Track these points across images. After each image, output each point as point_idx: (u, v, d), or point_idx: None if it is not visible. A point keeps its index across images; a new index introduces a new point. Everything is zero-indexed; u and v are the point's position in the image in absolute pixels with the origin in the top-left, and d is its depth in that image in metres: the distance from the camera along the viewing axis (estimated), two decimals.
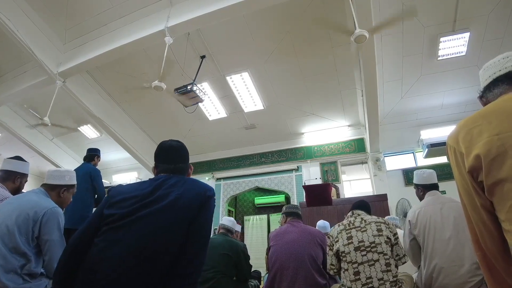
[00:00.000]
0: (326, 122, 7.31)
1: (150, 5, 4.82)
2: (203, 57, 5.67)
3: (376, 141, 6.63)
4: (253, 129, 7.65)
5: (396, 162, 7.10)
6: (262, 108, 6.89)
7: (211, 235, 1.58)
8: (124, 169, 9.57)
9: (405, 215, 5.98)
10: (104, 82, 6.66)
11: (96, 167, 4.20)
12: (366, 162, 7.40)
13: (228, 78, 6.14)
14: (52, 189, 2.14)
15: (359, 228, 2.23)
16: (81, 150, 8.66)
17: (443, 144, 5.89)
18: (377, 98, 5.57)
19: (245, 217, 8.99)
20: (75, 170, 3.70)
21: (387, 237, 2.14)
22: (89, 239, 1.28)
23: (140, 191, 1.36)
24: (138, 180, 8.89)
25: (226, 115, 7.22)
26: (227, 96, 6.65)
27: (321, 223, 4.34)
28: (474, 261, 1.97)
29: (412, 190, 2.95)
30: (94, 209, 3.93)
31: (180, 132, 7.56)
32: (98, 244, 1.23)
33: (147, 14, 4.85)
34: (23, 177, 2.46)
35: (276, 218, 8.32)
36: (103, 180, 4.26)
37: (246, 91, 6.47)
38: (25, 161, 2.52)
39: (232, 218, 3.41)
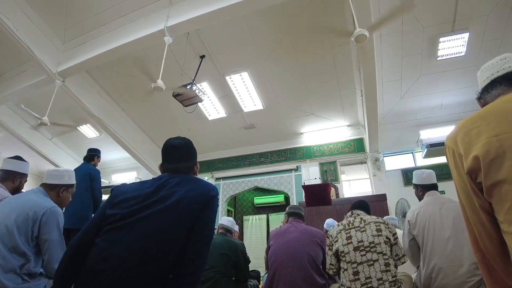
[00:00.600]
0: (325, 122, 7.32)
1: (150, 5, 4.81)
2: (202, 57, 5.67)
3: (376, 141, 6.64)
4: (252, 129, 7.65)
5: (395, 162, 7.11)
6: (262, 108, 6.89)
7: None
8: (123, 169, 9.57)
9: (404, 215, 5.98)
10: (104, 82, 6.65)
11: (96, 167, 4.20)
12: (365, 162, 7.41)
13: (227, 78, 6.14)
14: (52, 189, 2.14)
15: (359, 228, 2.24)
16: (80, 149, 8.66)
17: (442, 144, 5.87)
18: (377, 98, 5.57)
19: (245, 217, 9.00)
20: (75, 170, 3.70)
21: (387, 237, 2.15)
22: (91, 240, 1.28)
23: (142, 191, 1.36)
24: (138, 180, 8.89)
25: (225, 115, 7.22)
26: (226, 96, 6.65)
27: (330, 221, 4.37)
28: (473, 261, 1.97)
29: (411, 190, 2.95)
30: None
31: (180, 132, 7.50)
32: (100, 244, 1.23)
33: (147, 14, 4.85)
34: (22, 177, 2.46)
35: (276, 218, 8.34)
36: (102, 180, 4.26)
37: (246, 91, 6.47)
38: (25, 161, 2.52)
39: (231, 218, 3.41)
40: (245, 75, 6.08)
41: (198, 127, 7.70)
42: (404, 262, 2.18)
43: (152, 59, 5.72)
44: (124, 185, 1.46)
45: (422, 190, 2.52)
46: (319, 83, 6.20)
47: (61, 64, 5.45)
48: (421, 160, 6.81)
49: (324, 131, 7.51)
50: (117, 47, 4.90)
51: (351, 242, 2.17)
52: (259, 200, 9.45)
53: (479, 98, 1.13)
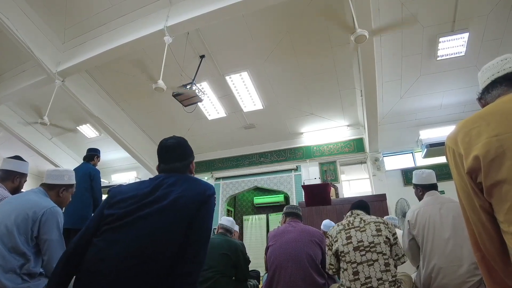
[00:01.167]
0: (325, 122, 7.32)
1: (150, 5, 4.81)
2: (202, 56, 5.67)
3: (375, 141, 6.64)
4: (252, 129, 7.65)
5: (395, 162, 7.12)
6: (262, 108, 6.89)
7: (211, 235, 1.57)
8: (123, 169, 9.57)
9: (404, 215, 5.98)
10: (103, 82, 6.65)
11: (96, 167, 4.19)
12: (365, 162, 7.41)
13: (227, 77, 6.14)
14: (51, 189, 2.14)
15: (358, 228, 2.23)
16: (80, 149, 8.66)
17: (442, 144, 5.90)
18: (376, 98, 5.58)
19: (244, 217, 9.00)
20: (74, 169, 3.70)
21: (386, 237, 2.15)
22: (89, 240, 1.28)
23: (139, 191, 1.36)
24: (137, 180, 8.89)
25: (225, 115, 7.22)
26: (226, 95, 6.65)
27: (327, 222, 4.36)
28: (473, 261, 1.97)
29: (411, 190, 2.95)
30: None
31: (179, 132, 7.53)
32: (98, 244, 1.23)
33: (147, 14, 4.85)
34: (22, 176, 2.46)
35: (275, 218, 8.34)
36: (102, 180, 4.25)
37: (246, 91, 6.47)
38: (25, 161, 2.51)
39: (231, 218, 3.41)
40: (245, 75, 6.08)
41: (197, 127, 7.70)
42: (404, 262, 2.18)
43: (152, 59, 5.72)
44: (121, 186, 1.47)
45: (422, 190, 2.52)
46: (319, 83, 6.20)
47: (60, 64, 5.45)
48: (421, 160, 6.81)
49: (324, 131, 7.51)
50: (117, 47, 4.90)
51: (351, 242, 2.17)
52: (258, 200, 9.45)
53: (479, 99, 1.14)
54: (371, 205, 2.69)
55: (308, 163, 7.62)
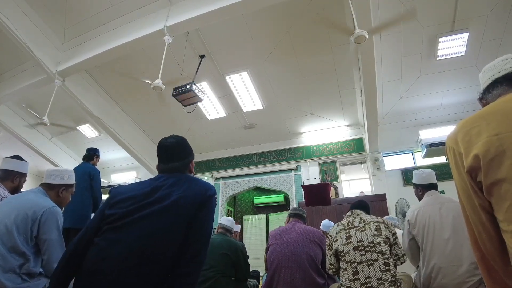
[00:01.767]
0: (325, 122, 7.32)
1: (149, 5, 4.81)
2: (202, 56, 5.67)
3: (375, 141, 6.64)
4: (252, 129, 7.65)
5: (395, 162, 7.12)
6: (261, 107, 6.89)
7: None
8: (123, 169, 9.57)
9: (404, 215, 5.98)
10: (103, 82, 6.65)
11: (95, 166, 4.19)
12: (365, 162, 7.42)
13: (227, 77, 6.14)
14: (51, 189, 2.13)
15: (358, 228, 2.23)
16: (80, 149, 8.65)
17: (442, 144, 5.91)
18: (376, 98, 5.58)
19: (244, 217, 9.00)
20: (74, 169, 3.69)
21: (386, 237, 2.15)
22: (90, 240, 1.28)
23: (139, 191, 1.36)
24: (137, 180, 8.89)
25: (225, 115, 7.22)
26: (226, 95, 6.65)
27: (326, 222, 4.35)
28: (473, 261, 1.97)
29: (411, 190, 2.95)
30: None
31: (179, 132, 7.46)
32: (99, 243, 1.23)
33: (146, 14, 4.85)
34: (22, 176, 2.46)
35: (275, 218, 8.34)
36: (102, 180, 4.25)
37: (245, 91, 6.47)
38: (24, 161, 2.51)
39: (230, 218, 3.41)
40: (244, 75, 6.08)
41: (197, 127, 7.70)
42: (404, 262, 2.18)
43: (152, 59, 5.72)
44: (121, 186, 1.47)
45: (422, 189, 2.52)
46: (318, 83, 6.20)
47: (60, 63, 5.45)
48: (421, 160, 6.81)
49: (323, 131, 7.51)
50: (117, 46, 4.90)
51: (351, 242, 2.17)
52: (258, 200, 9.45)
53: (481, 99, 1.14)
54: (370, 205, 2.69)
55: (308, 163, 7.62)
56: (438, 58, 5.41)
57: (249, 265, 3.06)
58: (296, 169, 7.71)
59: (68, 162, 8.88)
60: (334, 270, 2.28)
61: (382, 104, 6.37)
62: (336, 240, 2.27)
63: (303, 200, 6.42)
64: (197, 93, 5.18)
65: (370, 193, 6.93)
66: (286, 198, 8.20)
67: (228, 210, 8.64)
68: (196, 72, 5.53)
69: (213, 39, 5.41)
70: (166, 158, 1.49)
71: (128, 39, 4.81)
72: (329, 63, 5.73)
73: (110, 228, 1.26)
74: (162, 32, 4.48)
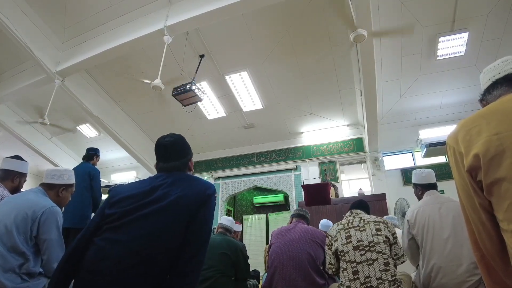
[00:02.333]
0: (325, 122, 7.32)
1: (149, 4, 4.81)
2: (202, 56, 5.67)
3: (375, 141, 6.64)
4: (252, 129, 7.65)
5: (394, 162, 7.12)
6: (261, 107, 6.89)
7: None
8: (122, 168, 9.56)
9: (403, 215, 5.99)
10: (103, 81, 6.65)
11: (95, 166, 4.19)
12: (364, 162, 7.42)
13: (227, 77, 6.14)
14: (51, 188, 2.13)
15: (358, 228, 2.24)
16: (79, 149, 8.65)
17: (441, 144, 5.91)
18: (376, 98, 5.58)
19: (244, 217, 8.99)
20: (74, 169, 3.68)
21: (386, 237, 2.15)
22: (90, 239, 1.28)
23: (139, 190, 1.36)
24: (137, 179, 8.88)
25: (225, 115, 7.22)
26: (226, 95, 6.65)
27: (325, 222, 4.35)
28: (472, 260, 1.97)
29: (410, 189, 2.96)
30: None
31: (179, 131, 7.33)
32: (98, 243, 1.23)
33: (146, 13, 4.84)
34: (22, 176, 2.46)
35: (275, 218, 8.33)
36: (102, 179, 4.24)
37: (245, 91, 6.47)
38: (24, 161, 2.51)
39: (230, 218, 3.41)
40: (244, 74, 6.08)
41: (197, 127, 7.70)
42: (404, 261, 2.18)
43: (152, 58, 5.72)
44: (121, 185, 1.46)
45: (422, 189, 2.52)
46: (318, 83, 6.20)
47: (60, 63, 5.45)
48: (421, 159, 6.82)
49: (323, 130, 7.51)
50: (116, 46, 4.89)
51: (351, 242, 2.17)
52: (258, 199, 9.45)
53: (481, 100, 1.15)
54: (370, 204, 2.70)
55: (307, 163, 7.63)
56: (438, 58, 5.41)
57: (249, 265, 3.06)
58: (296, 168, 7.71)
59: (68, 162, 8.87)
60: (334, 269, 2.28)
61: (382, 104, 6.38)
62: (336, 240, 2.27)
63: (303, 200, 6.42)
64: (197, 93, 5.17)
65: (369, 193, 6.93)
66: (286, 198, 8.20)
67: (228, 210, 8.64)
68: (196, 71, 5.53)
69: (212, 38, 5.41)
70: (165, 157, 1.48)
71: (127, 38, 4.80)
72: (329, 63, 5.73)
73: (109, 227, 1.26)
74: (161, 32, 4.48)
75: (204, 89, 6.14)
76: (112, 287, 1.12)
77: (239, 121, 7.44)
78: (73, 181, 2.26)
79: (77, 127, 8.16)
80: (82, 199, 3.76)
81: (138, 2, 4.84)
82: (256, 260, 6.88)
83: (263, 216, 8.73)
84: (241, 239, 8.07)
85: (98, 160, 4.31)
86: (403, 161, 7.09)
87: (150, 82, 4.56)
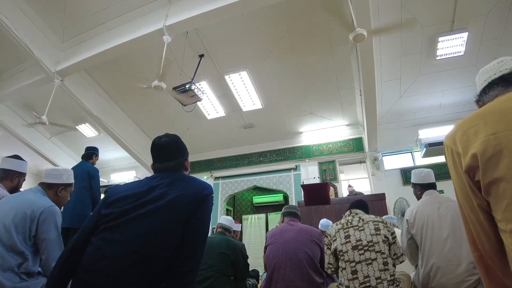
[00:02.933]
0: (324, 121, 7.32)
1: (149, 4, 4.81)
2: (201, 56, 5.66)
3: (374, 141, 6.65)
4: (251, 128, 7.65)
5: (394, 162, 7.12)
6: (261, 107, 6.89)
7: (209, 234, 1.56)
8: (122, 168, 9.56)
9: (403, 215, 5.99)
10: (102, 81, 6.64)
11: (94, 165, 4.18)
12: (364, 162, 7.42)
13: (226, 77, 6.14)
14: (50, 188, 2.13)
15: (357, 227, 2.24)
16: (79, 149, 8.65)
17: (441, 143, 5.86)
18: (376, 98, 5.58)
19: (244, 216, 9.00)
20: (73, 168, 3.68)
21: (385, 236, 2.15)
22: (87, 239, 1.28)
23: (135, 190, 1.36)
24: (136, 179, 8.88)
25: (224, 114, 7.22)
26: (225, 95, 6.64)
27: (325, 222, 4.35)
28: (471, 260, 1.97)
29: (410, 189, 2.96)
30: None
31: (178, 131, 7.47)
32: (95, 243, 1.23)
33: (146, 13, 4.84)
34: (21, 176, 2.45)
35: (275, 217, 8.33)
36: (101, 179, 4.23)
37: (245, 90, 6.47)
38: (23, 160, 2.51)
39: (230, 217, 3.40)
40: (244, 74, 6.08)
41: (197, 126, 7.70)
42: (403, 261, 2.18)
43: (151, 58, 5.71)
44: (117, 186, 1.46)
45: (421, 189, 2.52)
46: (318, 82, 6.20)
47: (59, 63, 5.45)
48: (420, 159, 6.82)
49: (323, 130, 7.51)
50: (116, 46, 4.89)
51: (350, 241, 2.17)
52: (258, 199, 9.45)
53: (477, 101, 1.16)
54: (370, 204, 2.70)
55: (307, 163, 7.63)
56: (437, 58, 5.42)
57: (248, 264, 3.06)
58: (295, 168, 7.71)
59: (67, 161, 8.87)
60: (333, 269, 2.29)
61: (381, 103, 6.38)
62: (335, 239, 2.27)
63: (303, 199, 6.42)
64: (196, 93, 5.17)
65: (368, 192, 6.93)
66: (286, 197, 8.20)
67: (227, 210, 8.64)
68: (196, 71, 5.53)
69: (212, 38, 5.41)
70: (161, 157, 1.48)
71: (127, 38, 4.80)
72: (329, 63, 5.73)
73: (106, 227, 1.26)
74: (161, 32, 4.47)
75: (203, 88, 6.14)
76: (110, 287, 1.12)
77: (238, 121, 7.44)
78: (72, 180, 2.26)
79: (76, 126, 8.16)
80: (81, 198, 3.75)
81: (137, 2, 4.84)
82: (256, 259, 6.89)
83: (262, 216, 8.73)
84: (240, 239, 8.07)
85: (97, 159, 4.30)
86: (403, 161, 7.09)
87: (146, 87, 4.56)
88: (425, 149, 6.26)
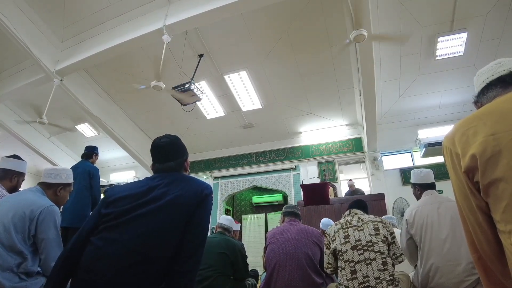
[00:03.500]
0: (324, 121, 7.33)
1: (148, 4, 4.80)
2: (201, 55, 5.66)
3: (374, 141, 6.65)
4: (251, 128, 7.65)
5: (393, 162, 7.13)
6: (260, 107, 6.89)
7: (209, 234, 1.56)
8: (121, 168, 9.56)
9: (402, 215, 6.00)
10: (102, 81, 6.64)
11: (94, 164, 4.16)
12: (363, 162, 7.43)
13: (226, 77, 6.13)
14: (49, 188, 2.13)
15: (356, 227, 2.24)
16: (78, 148, 8.65)
17: (440, 143, 5.86)
18: (375, 98, 5.58)
19: (243, 216, 9.00)
20: (73, 167, 3.67)
21: (384, 236, 2.15)
22: (86, 239, 1.28)
23: (135, 190, 1.36)
24: (136, 179, 8.88)
25: (224, 114, 7.22)
26: (225, 95, 6.64)
27: (326, 221, 4.35)
28: (470, 260, 1.96)
29: (409, 189, 2.96)
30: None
31: (178, 131, 7.54)
32: (95, 243, 1.23)
33: (145, 13, 4.84)
34: (20, 175, 2.45)
35: (274, 217, 8.33)
36: (100, 179, 4.22)
37: (244, 90, 6.47)
38: (22, 160, 2.51)
39: (230, 217, 3.40)
40: (243, 74, 6.08)
41: (196, 126, 7.70)
42: (402, 261, 2.19)
43: (151, 58, 5.70)
44: (117, 186, 1.47)
45: (420, 189, 2.52)
46: (317, 82, 6.21)
47: (59, 62, 5.44)
48: (419, 159, 6.82)
49: (322, 130, 7.52)
50: (115, 45, 4.89)
51: (349, 241, 2.17)
52: (257, 199, 9.45)
53: (475, 102, 1.17)
54: (369, 204, 2.70)
55: (306, 163, 7.63)
56: (437, 58, 5.42)
57: (247, 264, 3.06)
58: (294, 168, 7.71)
59: (66, 161, 8.87)
60: (332, 269, 2.29)
61: (380, 103, 6.38)
62: (334, 239, 2.27)
63: (302, 199, 6.42)
64: (196, 93, 5.17)
65: (368, 193, 6.93)
66: (285, 197, 8.20)
67: (227, 210, 8.64)
68: (195, 71, 5.53)
69: (212, 38, 5.41)
70: (161, 158, 1.49)
71: (126, 38, 4.80)
72: (328, 63, 5.73)
73: (106, 227, 1.26)
74: (160, 31, 4.47)
75: (203, 88, 6.14)
76: (110, 287, 1.13)
77: (238, 121, 7.44)
78: (71, 180, 2.26)
79: (76, 126, 8.16)
80: (81, 198, 3.73)
81: (137, 2, 4.83)
82: (255, 259, 6.89)
83: (262, 215, 8.73)
84: (240, 239, 8.07)
85: (97, 158, 4.28)
86: (402, 161, 7.10)
87: (144, 87, 4.55)
88: (424, 149, 6.26)
